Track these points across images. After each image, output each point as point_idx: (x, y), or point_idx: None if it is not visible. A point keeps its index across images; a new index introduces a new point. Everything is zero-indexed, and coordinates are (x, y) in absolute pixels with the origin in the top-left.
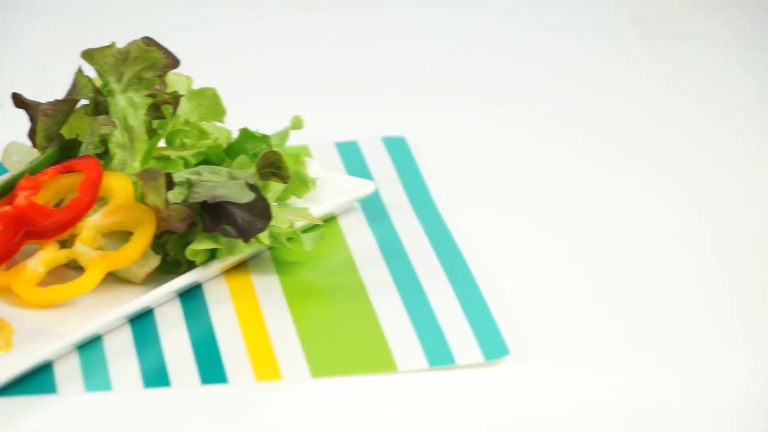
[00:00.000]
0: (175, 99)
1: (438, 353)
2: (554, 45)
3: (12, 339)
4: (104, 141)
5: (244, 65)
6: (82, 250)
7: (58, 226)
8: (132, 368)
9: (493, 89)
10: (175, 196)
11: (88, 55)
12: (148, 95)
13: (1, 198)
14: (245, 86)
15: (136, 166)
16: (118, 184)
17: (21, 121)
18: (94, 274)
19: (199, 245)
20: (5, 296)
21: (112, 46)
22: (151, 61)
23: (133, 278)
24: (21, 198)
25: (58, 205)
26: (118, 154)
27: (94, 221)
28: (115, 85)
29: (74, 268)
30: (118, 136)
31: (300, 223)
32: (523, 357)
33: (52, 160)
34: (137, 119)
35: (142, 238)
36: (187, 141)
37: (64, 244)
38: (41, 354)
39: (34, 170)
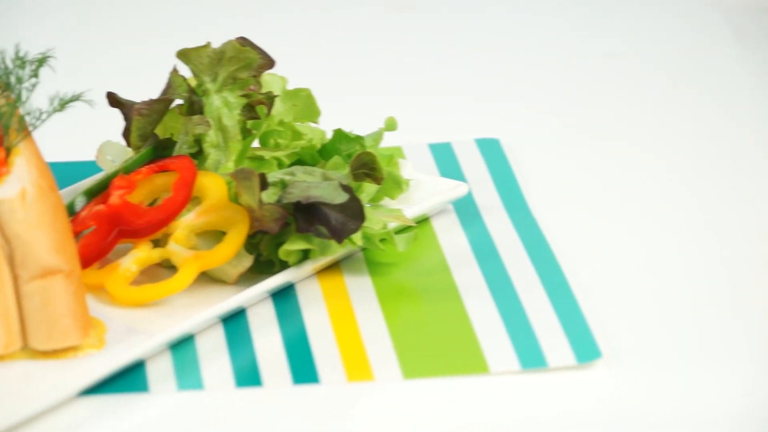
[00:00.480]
0: (269, 99)
1: (530, 355)
2: (648, 46)
3: (105, 338)
4: (198, 141)
5: (338, 66)
6: (175, 249)
7: (152, 226)
8: (224, 368)
9: (589, 91)
10: (269, 196)
11: (184, 55)
12: (243, 95)
13: (96, 197)
14: (339, 87)
15: (230, 166)
16: (212, 184)
17: (115, 120)
18: (187, 273)
19: (292, 246)
20: (98, 295)
21: (207, 46)
22: (246, 61)
23: (225, 278)
24: (115, 197)
25: (151, 204)
26: (212, 154)
27: (188, 221)
28: (209, 85)
29: (167, 267)
30: (212, 136)
31: (393, 225)
32: (615, 360)
33: (146, 159)
34: (232, 119)
35: (236, 238)
36: (281, 141)
37: (158, 244)
38: (134, 353)
39: (128, 169)
